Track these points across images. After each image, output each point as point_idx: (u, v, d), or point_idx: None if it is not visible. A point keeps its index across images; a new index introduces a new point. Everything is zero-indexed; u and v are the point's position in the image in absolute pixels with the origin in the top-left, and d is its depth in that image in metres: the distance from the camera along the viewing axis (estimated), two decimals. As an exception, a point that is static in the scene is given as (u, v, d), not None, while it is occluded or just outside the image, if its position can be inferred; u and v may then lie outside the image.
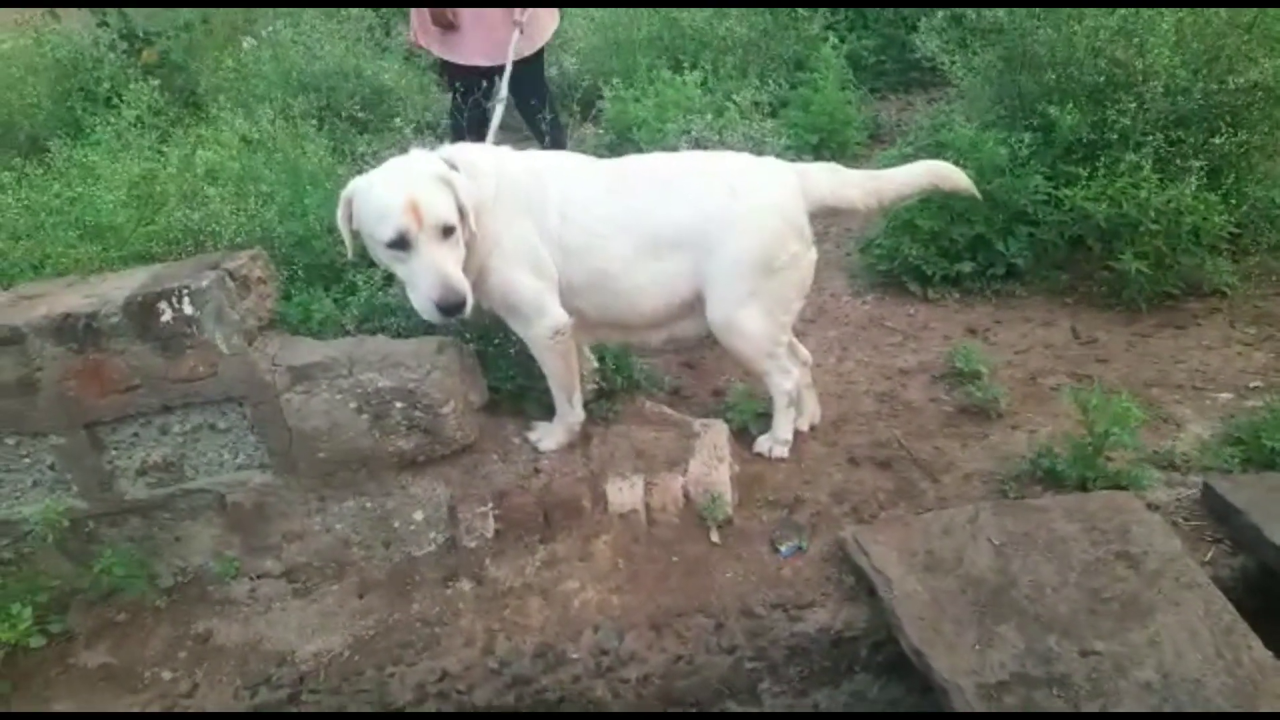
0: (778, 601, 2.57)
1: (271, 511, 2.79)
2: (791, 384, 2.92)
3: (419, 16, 4.39)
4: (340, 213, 2.48)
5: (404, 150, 2.65)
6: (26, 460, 2.70)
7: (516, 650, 2.53)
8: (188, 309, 2.53)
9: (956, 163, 3.61)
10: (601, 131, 5.19)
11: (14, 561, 2.76)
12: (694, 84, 4.69)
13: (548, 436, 2.94)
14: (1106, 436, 2.71)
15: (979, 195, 3.07)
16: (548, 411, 2.94)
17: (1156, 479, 2.79)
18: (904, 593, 2.39)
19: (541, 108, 4.41)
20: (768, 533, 2.77)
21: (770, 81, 5.01)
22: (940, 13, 4.76)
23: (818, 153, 4.77)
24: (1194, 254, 3.57)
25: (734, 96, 4.48)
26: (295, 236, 3.14)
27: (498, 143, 3.18)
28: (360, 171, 2.70)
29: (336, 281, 3.16)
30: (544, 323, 2.69)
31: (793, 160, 2.99)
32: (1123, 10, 3.69)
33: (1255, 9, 3.61)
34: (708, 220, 2.64)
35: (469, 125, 4.05)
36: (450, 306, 2.35)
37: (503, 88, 3.74)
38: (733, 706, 2.55)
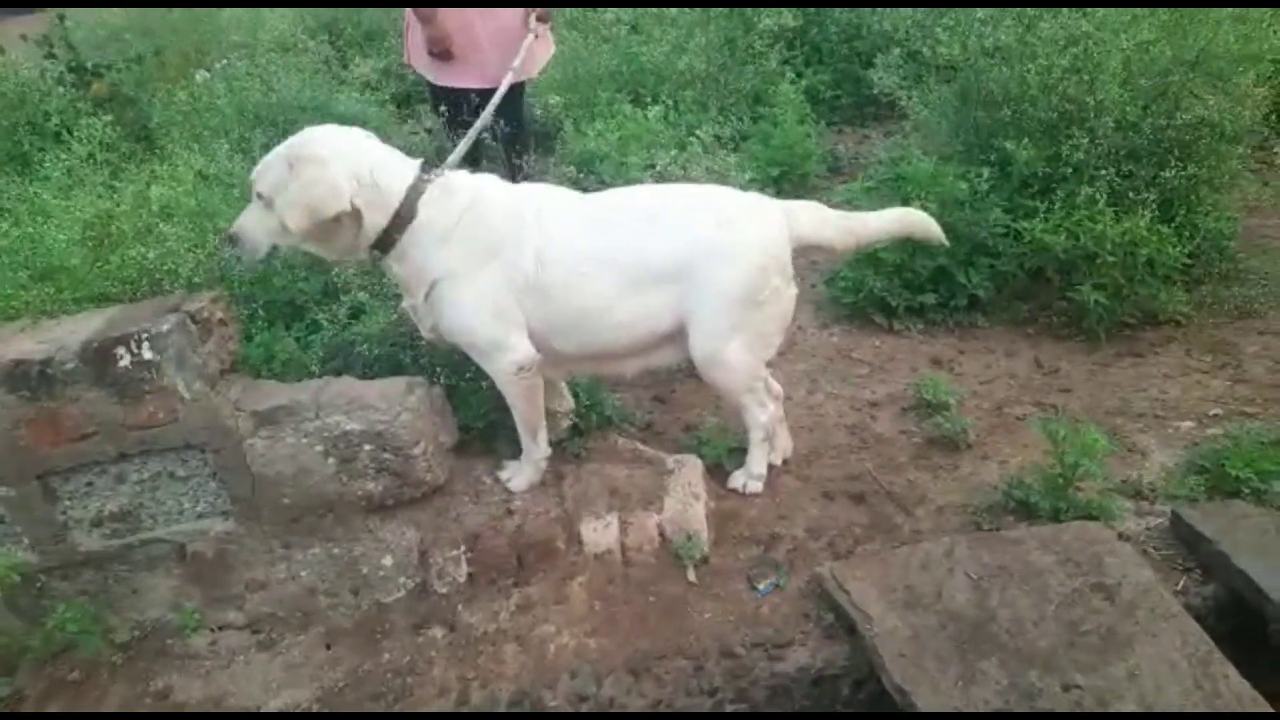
0: (757, 641, 2.53)
1: (234, 560, 2.70)
2: (767, 417, 2.91)
3: (412, 39, 4.35)
4: None
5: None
6: (-28, 513, 2.58)
7: (492, 699, 2.45)
8: (147, 354, 2.44)
9: (918, 197, 3.70)
10: (565, 166, 5.18)
11: (-42, 619, 2.62)
12: (656, 118, 4.71)
13: (518, 475, 2.90)
14: (1076, 467, 2.75)
15: (948, 243, 3.12)
16: (520, 449, 2.89)
17: (1126, 509, 2.83)
18: (885, 630, 2.38)
19: (519, 133, 4.41)
20: (745, 570, 2.74)
21: (731, 116, 5.05)
22: (896, 50, 4.87)
23: (779, 186, 4.81)
24: (1149, 284, 3.66)
25: (697, 131, 4.50)
26: (254, 273, 3.07)
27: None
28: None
29: (298, 319, 3.10)
30: (506, 358, 2.65)
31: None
32: (1073, 49, 3.80)
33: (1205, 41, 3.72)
34: (695, 252, 2.61)
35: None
36: (230, 238, 2.60)
37: (488, 113, 3.68)
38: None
